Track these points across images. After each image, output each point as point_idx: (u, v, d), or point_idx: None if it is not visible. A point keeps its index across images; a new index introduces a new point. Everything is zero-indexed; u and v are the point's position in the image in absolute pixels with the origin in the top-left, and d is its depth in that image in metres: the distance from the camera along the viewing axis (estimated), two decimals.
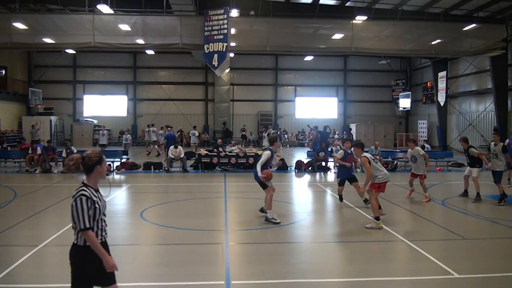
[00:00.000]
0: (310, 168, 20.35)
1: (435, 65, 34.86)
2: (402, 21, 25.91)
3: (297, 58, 39.06)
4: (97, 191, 4.30)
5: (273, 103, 41.80)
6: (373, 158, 10.18)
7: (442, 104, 33.89)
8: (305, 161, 21.31)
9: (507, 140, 14.41)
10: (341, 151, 12.24)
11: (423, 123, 38.87)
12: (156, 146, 28.12)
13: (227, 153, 20.50)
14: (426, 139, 35.24)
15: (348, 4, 26.44)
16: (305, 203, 13.41)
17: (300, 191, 16.08)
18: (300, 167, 20.49)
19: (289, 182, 17.84)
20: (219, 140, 24.15)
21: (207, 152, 20.72)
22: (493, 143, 13.34)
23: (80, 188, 4.20)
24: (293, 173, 19.94)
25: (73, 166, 4.30)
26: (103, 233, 4.31)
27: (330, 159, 20.84)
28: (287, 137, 38.88)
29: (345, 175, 12.34)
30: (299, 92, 42.17)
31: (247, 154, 20.47)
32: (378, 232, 9.19)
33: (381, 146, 28.41)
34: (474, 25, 25.71)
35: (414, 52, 29.64)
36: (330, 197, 13.81)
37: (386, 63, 39.80)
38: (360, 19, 24.40)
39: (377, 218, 9.56)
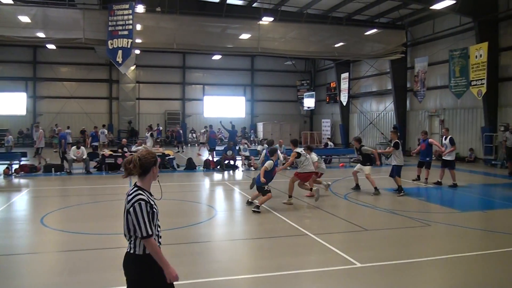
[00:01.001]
0: (218, 167, 20.40)
1: (338, 66, 36.38)
2: (307, 23, 26.77)
3: (205, 57, 38.94)
4: (151, 194, 3.93)
5: (181, 102, 41.34)
6: (304, 153, 12.36)
7: (344, 103, 35.46)
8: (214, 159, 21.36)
9: (419, 139, 15.41)
10: (270, 162, 11.52)
11: (327, 122, 40.42)
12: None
13: (132, 153, 19.91)
14: (329, 137, 36.65)
15: (255, 5, 26.82)
16: (214, 202, 13.43)
17: (209, 190, 16.08)
18: (209, 166, 20.48)
19: (198, 181, 17.76)
20: (124, 140, 23.33)
21: (111, 152, 20.02)
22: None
23: (136, 192, 3.81)
24: (202, 172, 19.87)
25: (134, 169, 3.87)
26: (159, 239, 3.96)
27: (238, 158, 21.09)
28: (195, 136, 38.62)
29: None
30: (207, 91, 42.10)
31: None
32: (284, 228, 9.44)
33: (286, 144, 29.11)
34: (375, 30, 27.19)
35: (318, 53, 30.71)
36: (238, 196, 13.93)
37: (292, 64, 40.89)
38: (266, 20, 24.86)
39: (290, 196, 12.04)
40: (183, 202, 12.73)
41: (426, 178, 15.94)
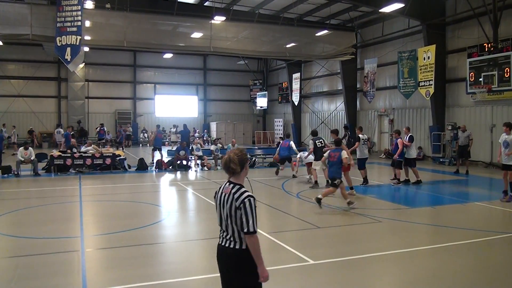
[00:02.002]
0: (170, 167, 20.14)
1: (290, 67, 36.71)
2: (259, 23, 26.81)
3: (156, 55, 38.37)
4: None
5: (132, 101, 40.51)
6: None
7: (296, 103, 35.84)
8: (166, 160, 21.06)
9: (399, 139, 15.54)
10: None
11: (279, 121, 40.72)
12: None
13: (82, 154, 19.39)
14: (282, 136, 36.83)
15: (207, 3, 26.62)
16: (166, 202, 13.23)
17: (161, 191, 15.83)
18: (161, 166, 20.17)
19: (150, 182, 17.46)
20: (73, 140, 22.64)
21: (60, 153, 19.38)
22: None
23: (242, 189, 3.95)
24: (154, 172, 19.56)
25: (236, 167, 4.01)
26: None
27: (191, 158, 20.90)
28: (147, 136, 38.00)
29: None
30: (159, 90, 41.47)
31: (104, 154, 19.57)
32: None
33: (240, 143, 29.16)
34: (326, 31, 27.55)
35: (270, 54, 30.87)
36: (191, 196, 13.78)
37: (244, 64, 40.93)
38: (218, 19, 24.69)
39: (351, 188, 13.03)
40: (135, 203, 12.46)
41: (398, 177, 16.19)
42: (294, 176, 17.21)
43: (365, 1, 23.22)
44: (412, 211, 11.41)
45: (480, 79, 19.42)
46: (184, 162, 20.26)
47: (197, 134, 38.85)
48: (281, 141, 19.06)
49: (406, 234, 9.08)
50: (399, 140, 15.37)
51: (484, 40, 19.90)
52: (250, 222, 3.87)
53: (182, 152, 20.16)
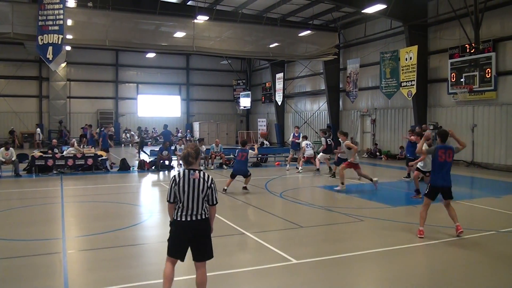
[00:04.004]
0: (153, 168, 20.03)
1: (273, 67, 36.78)
2: (242, 23, 26.82)
3: (138, 55, 38.12)
4: None
5: (114, 101, 40.20)
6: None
7: (279, 103, 35.91)
8: (148, 160, 20.94)
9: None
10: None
11: (263, 121, 40.77)
12: None
13: (63, 154, 19.18)
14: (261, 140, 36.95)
15: (190, 3, 26.54)
16: (149, 203, 13.16)
17: (143, 191, 15.74)
18: (143, 167, 20.04)
19: (132, 182, 17.33)
20: (54, 141, 22.32)
21: (41, 153, 19.13)
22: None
23: (206, 174, 5.29)
24: (136, 173, 19.42)
25: (194, 159, 5.34)
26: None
27: (174, 158, 20.81)
28: (129, 136, 37.74)
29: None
30: (141, 89, 41.21)
31: (86, 155, 19.36)
32: (221, 227, 9.33)
33: (224, 143, 29.11)
34: (309, 31, 27.68)
35: (253, 53, 30.91)
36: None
37: (228, 64, 40.88)
38: (201, 19, 24.61)
39: (342, 183, 14.02)
40: (117, 204, 12.36)
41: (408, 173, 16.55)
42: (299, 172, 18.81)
43: (348, 2, 23.37)
44: (394, 210, 11.51)
45: (462, 80, 19.68)
46: (167, 162, 20.17)
47: (180, 134, 38.72)
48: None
49: (388, 233, 9.15)
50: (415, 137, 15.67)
51: (465, 41, 20.18)
52: (216, 196, 5.31)
53: (165, 152, 20.07)
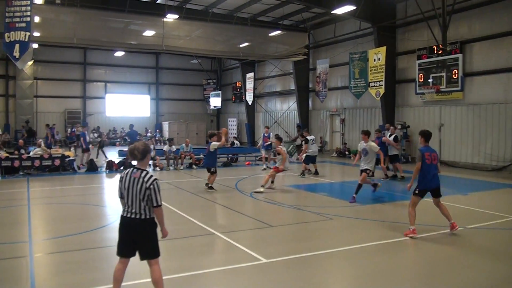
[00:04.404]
0: (122, 168, 19.76)
1: (243, 66, 36.81)
2: (212, 23, 26.73)
3: (107, 53, 37.59)
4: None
5: (82, 100, 39.50)
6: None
7: (250, 103, 35.95)
8: (116, 161, 20.67)
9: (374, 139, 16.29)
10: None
11: (233, 121, 40.75)
12: None
13: (30, 155, 18.75)
14: (235, 135, 36.97)
15: (159, 1, 26.30)
16: (116, 204, 12.95)
17: (111, 193, 15.50)
18: (111, 167, 19.76)
19: (100, 183, 17.08)
20: (21, 141, 21.78)
21: (7, 154, 18.64)
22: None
23: (149, 174, 5.26)
24: (104, 174, 19.14)
25: (139, 154, 5.33)
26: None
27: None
28: (96, 136, 37.08)
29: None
30: (110, 88, 40.61)
31: (53, 155, 18.98)
32: (191, 228, 9.35)
33: (193, 143, 28.97)
34: (279, 32, 27.82)
35: (224, 53, 30.91)
36: None
37: (198, 63, 40.71)
38: (171, 17, 24.41)
39: (262, 186, 13.73)
40: (85, 205, 12.18)
41: (385, 174, 16.79)
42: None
43: (318, 3, 23.55)
44: (363, 208, 11.66)
45: (429, 80, 20.05)
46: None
47: (149, 134, 38.36)
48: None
49: (356, 231, 9.29)
50: (383, 138, 16.58)
51: (433, 42, 20.60)
52: (158, 198, 5.19)
53: None
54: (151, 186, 5.13)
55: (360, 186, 12.18)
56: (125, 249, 5.38)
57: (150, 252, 5.32)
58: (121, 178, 5.34)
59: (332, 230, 9.39)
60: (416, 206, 8.75)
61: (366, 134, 12.36)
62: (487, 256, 7.62)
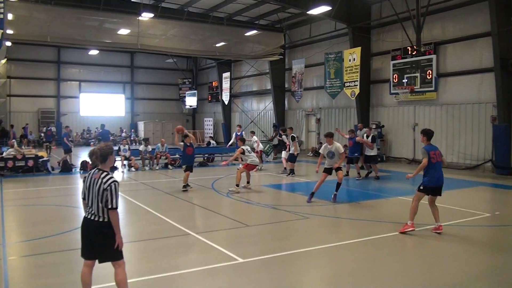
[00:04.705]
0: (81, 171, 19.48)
1: (219, 66, 36.77)
2: (188, 22, 26.63)
3: (81, 52, 37.11)
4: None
5: (56, 99, 38.93)
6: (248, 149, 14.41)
7: (226, 102, 35.95)
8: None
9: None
10: None
11: (209, 121, 40.67)
12: None
13: (2, 155, 18.39)
14: (212, 135, 36.87)
15: None
16: None
17: None
18: (86, 168, 19.50)
19: (74, 184, 16.86)
20: None
21: None
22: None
23: (109, 175, 5.19)
24: (78, 174, 18.89)
25: (97, 159, 5.27)
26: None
27: (118, 158, 20.40)
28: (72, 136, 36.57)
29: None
30: (84, 88, 40.11)
31: (26, 156, 18.66)
32: (166, 229, 9.33)
33: (169, 143, 28.78)
34: (255, 31, 27.86)
35: (200, 52, 30.81)
36: (120, 198, 13.42)
37: (173, 62, 40.49)
38: (146, 16, 24.20)
39: (237, 185, 13.62)
40: (59, 207, 12.02)
41: (359, 173, 17.19)
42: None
43: (293, 3, 23.68)
44: (338, 206, 11.80)
45: (404, 81, 20.32)
46: None
47: (124, 134, 38.02)
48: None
49: (332, 229, 9.41)
50: (357, 138, 17.01)
51: (407, 43, 20.91)
52: (114, 200, 5.09)
53: None
54: (108, 188, 5.07)
55: (339, 184, 12.26)
56: (86, 251, 5.29)
57: (108, 255, 5.24)
58: (84, 178, 5.35)
59: (308, 229, 9.48)
60: (419, 202, 8.89)
61: (331, 136, 12.27)
62: (466, 250, 7.79)
